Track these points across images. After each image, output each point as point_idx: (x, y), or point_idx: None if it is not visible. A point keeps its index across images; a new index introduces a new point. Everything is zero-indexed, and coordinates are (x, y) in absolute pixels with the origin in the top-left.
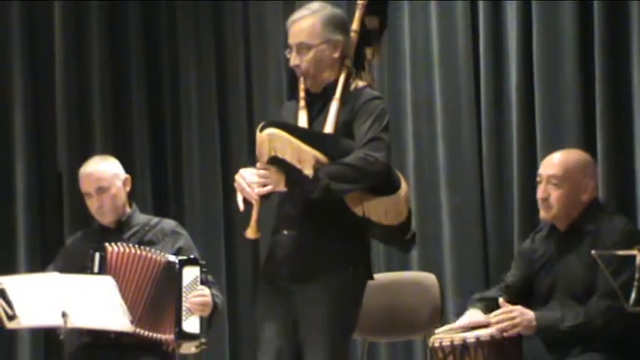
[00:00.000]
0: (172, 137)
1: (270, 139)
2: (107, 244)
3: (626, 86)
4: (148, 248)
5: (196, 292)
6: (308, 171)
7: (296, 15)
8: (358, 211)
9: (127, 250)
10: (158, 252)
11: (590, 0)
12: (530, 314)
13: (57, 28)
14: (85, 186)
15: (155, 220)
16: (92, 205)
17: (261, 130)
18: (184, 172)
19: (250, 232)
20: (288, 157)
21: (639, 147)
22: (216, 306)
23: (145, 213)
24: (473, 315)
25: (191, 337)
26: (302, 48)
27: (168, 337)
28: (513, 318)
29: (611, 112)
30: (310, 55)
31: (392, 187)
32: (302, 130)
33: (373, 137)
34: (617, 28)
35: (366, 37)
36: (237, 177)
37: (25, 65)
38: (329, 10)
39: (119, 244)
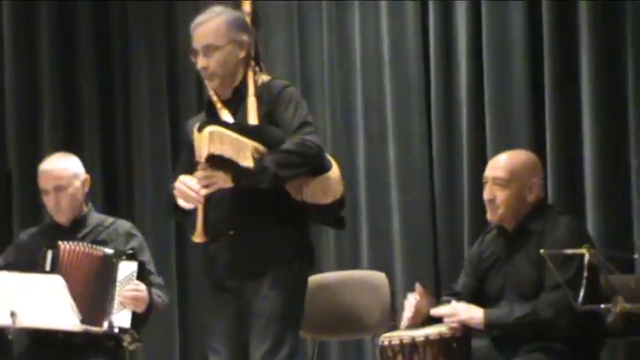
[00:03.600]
0: (123, 136)
1: (211, 137)
2: (60, 242)
3: (576, 86)
4: (99, 247)
5: (130, 287)
6: (249, 163)
7: (199, 18)
8: (298, 196)
9: (79, 248)
10: (100, 247)
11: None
12: (478, 309)
13: (5, 27)
14: (44, 183)
15: (110, 220)
16: (49, 202)
17: (200, 129)
18: (135, 171)
19: (197, 236)
20: (228, 152)
21: (588, 146)
22: (155, 305)
23: (96, 212)
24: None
25: (121, 330)
26: (209, 50)
27: (100, 329)
28: (458, 314)
29: (561, 112)
30: (217, 55)
31: (326, 167)
32: (237, 124)
33: (302, 122)
34: (566, 28)
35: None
36: (177, 184)
37: None
38: (231, 12)
39: (72, 242)
